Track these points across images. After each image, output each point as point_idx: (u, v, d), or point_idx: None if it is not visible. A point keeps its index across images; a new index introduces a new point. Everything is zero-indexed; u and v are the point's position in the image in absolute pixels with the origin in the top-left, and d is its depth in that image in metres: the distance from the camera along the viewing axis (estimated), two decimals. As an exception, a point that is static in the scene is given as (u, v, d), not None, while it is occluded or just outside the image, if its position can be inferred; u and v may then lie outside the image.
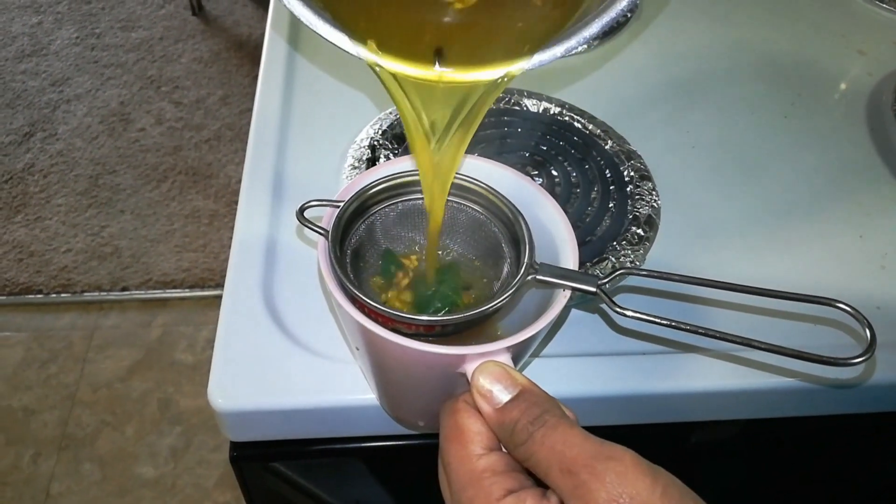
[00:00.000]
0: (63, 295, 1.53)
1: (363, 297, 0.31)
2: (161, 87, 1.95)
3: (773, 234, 0.53)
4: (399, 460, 0.47)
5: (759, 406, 0.45)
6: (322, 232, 0.33)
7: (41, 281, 1.55)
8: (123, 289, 1.54)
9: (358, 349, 0.34)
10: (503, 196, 0.35)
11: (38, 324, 1.52)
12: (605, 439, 0.27)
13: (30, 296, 1.53)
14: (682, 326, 0.30)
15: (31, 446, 1.34)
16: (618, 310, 0.31)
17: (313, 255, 0.48)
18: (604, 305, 0.47)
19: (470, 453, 0.28)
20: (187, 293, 1.53)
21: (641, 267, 0.32)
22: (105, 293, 1.53)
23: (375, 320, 0.31)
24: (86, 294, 1.53)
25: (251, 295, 0.45)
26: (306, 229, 0.34)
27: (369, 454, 0.46)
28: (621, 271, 0.33)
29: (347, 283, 0.31)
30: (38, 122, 1.85)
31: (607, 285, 0.32)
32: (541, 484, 0.28)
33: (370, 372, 0.36)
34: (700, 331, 0.30)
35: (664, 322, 0.30)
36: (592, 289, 0.31)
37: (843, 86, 0.68)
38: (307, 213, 0.34)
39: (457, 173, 0.36)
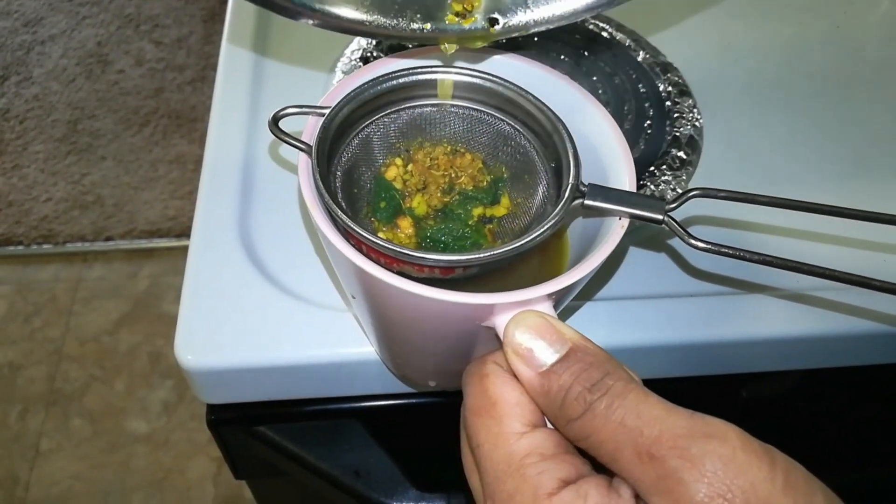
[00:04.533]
0: (45, 246, 1.48)
1: (359, 231, 0.24)
2: (140, 25, 1.85)
3: (833, 158, 0.48)
4: (406, 422, 0.41)
5: (845, 355, 0.39)
6: (304, 147, 0.26)
7: (21, 232, 1.49)
8: (107, 238, 1.47)
9: (354, 297, 0.27)
10: (538, 99, 0.27)
11: (19, 276, 1.46)
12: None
13: (10, 247, 1.48)
14: (777, 262, 0.23)
15: (18, 403, 1.31)
16: (692, 241, 0.24)
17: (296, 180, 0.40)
18: (672, 240, 0.40)
19: (506, 431, 0.21)
20: (174, 242, 1.47)
21: (718, 188, 0.25)
22: (88, 243, 1.48)
23: (376, 261, 0.24)
24: (68, 245, 1.47)
25: (225, 231, 0.39)
26: (287, 147, 0.27)
27: (370, 415, 0.41)
28: (694, 193, 0.25)
29: (339, 212, 0.24)
30: (12, 66, 1.76)
31: (676, 211, 0.24)
32: (601, 469, 0.21)
33: (370, 325, 0.29)
34: (804, 268, 0.22)
35: (755, 258, 0.23)
36: (659, 216, 0.24)
37: (901, -10, 0.60)
38: (285, 125, 0.26)
39: (476, 70, 0.28)
